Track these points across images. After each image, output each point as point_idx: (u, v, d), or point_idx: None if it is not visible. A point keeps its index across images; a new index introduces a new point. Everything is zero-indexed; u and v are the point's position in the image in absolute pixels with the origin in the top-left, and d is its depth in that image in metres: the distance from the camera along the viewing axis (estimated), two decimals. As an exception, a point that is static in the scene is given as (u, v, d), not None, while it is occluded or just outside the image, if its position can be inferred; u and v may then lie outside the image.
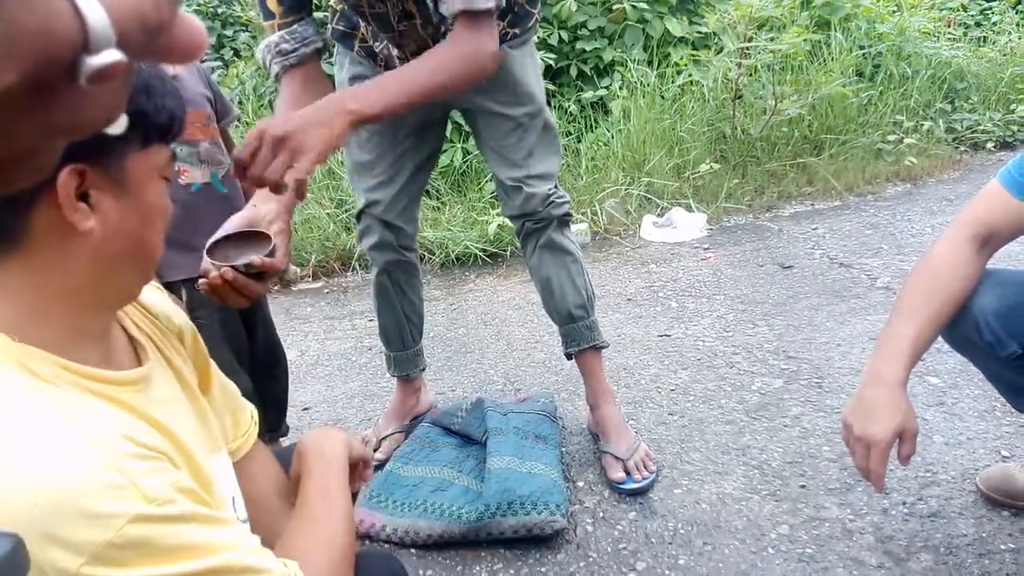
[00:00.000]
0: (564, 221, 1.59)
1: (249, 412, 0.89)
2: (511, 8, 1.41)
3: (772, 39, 3.95)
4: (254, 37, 4.55)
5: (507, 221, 3.01)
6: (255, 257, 0.93)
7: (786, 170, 3.49)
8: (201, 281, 0.93)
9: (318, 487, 0.79)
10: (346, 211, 3.39)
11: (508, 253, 3.10)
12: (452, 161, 3.53)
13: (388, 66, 1.46)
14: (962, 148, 3.62)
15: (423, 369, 1.90)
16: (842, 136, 3.58)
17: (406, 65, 1.17)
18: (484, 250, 3.08)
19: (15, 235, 0.58)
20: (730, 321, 2.33)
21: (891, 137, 3.58)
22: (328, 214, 3.28)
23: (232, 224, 1.00)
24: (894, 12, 4.67)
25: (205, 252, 0.94)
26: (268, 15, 1.24)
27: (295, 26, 1.24)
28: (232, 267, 0.92)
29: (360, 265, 3.20)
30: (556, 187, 1.56)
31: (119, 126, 0.24)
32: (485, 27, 1.16)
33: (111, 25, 0.20)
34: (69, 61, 0.20)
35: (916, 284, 1.18)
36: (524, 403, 1.86)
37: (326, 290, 3.09)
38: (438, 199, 3.48)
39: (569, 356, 1.72)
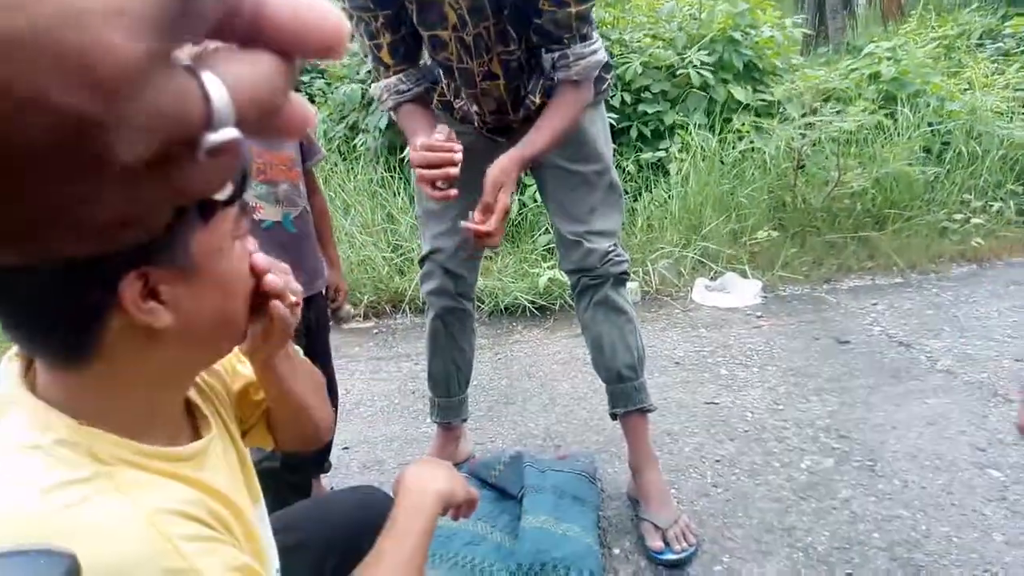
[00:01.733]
0: (621, 280, 1.60)
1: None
2: None
3: (838, 111, 3.94)
4: (328, 84, 4.74)
5: (559, 275, 3.04)
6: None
7: (847, 242, 3.42)
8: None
9: (399, 526, 0.80)
10: (401, 255, 3.46)
11: (557, 307, 3.10)
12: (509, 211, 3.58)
13: (464, 120, 1.55)
14: (1035, 232, 3.50)
15: (465, 419, 1.91)
16: (906, 212, 3.51)
17: (546, 115, 1.37)
18: (533, 302, 3.09)
19: (91, 349, 0.56)
20: (781, 394, 2.27)
21: (958, 216, 3.49)
22: (384, 257, 3.35)
23: None
24: (965, 90, 4.60)
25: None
26: (384, 67, 1.44)
27: (409, 70, 1.44)
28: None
29: (410, 308, 3.24)
30: (616, 245, 1.57)
31: (224, 192, 0.26)
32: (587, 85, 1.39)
33: (231, 104, 0.22)
34: (193, 137, 0.22)
35: None
36: (564, 461, 1.84)
37: (375, 330, 3.14)
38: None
39: (614, 416, 1.70)
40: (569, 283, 1.66)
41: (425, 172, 1.32)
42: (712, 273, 3.31)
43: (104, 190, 0.21)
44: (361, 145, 4.14)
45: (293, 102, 0.25)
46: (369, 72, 4.17)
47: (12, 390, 0.58)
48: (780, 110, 3.83)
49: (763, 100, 4.03)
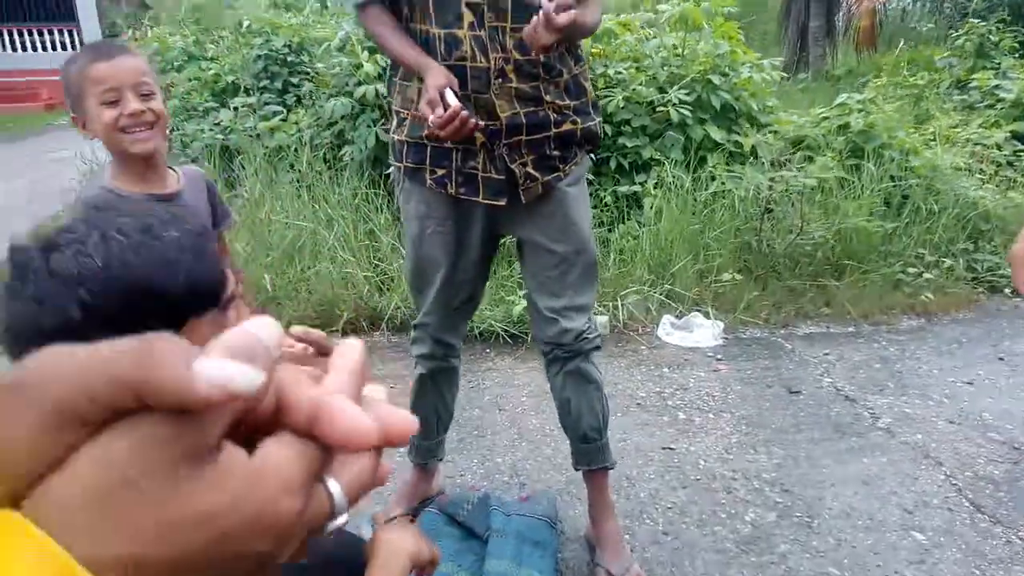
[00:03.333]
0: (593, 351, 1.70)
1: None
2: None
3: (808, 158, 4.13)
4: (317, 88, 4.79)
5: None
6: None
7: (806, 289, 3.61)
8: None
9: None
10: (381, 273, 3.55)
11: (528, 337, 3.23)
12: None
13: (464, 195, 1.57)
14: (980, 289, 3.71)
15: (441, 459, 2.03)
16: (864, 263, 3.70)
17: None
18: (506, 330, 3.22)
19: None
20: (733, 443, 2.43)
21: (912, 270, 3.69)
22: (365, 276, 3.44)
23: None
24: (931, 141, 4.83)
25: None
26: None
27: None
28: None
29: (388, 327, 3.34)
30: (589, 320, 1.68)
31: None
32: None
33: (346, 498, 0.34)
34: (321, 528, 0.34)
35: None
36: (527, 503, 1.97)
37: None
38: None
39: (577, 469, 1.84)
40: (541, 350, 1.76)
41: (438, 132, 1.41)
42: (678, 311, 3.46)
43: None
44: (347, 156, 4.20)
45: (382, 467, 0.37)
46: (360, 83, 4.24)
47: None
48: (753, 153, 4.00)
49: (738, 142, 4.20)
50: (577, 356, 1.68)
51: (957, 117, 5.61)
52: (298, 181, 4.19)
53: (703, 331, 3.32)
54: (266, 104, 4.93)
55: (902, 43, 10.96)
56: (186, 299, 0.75)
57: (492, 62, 1.44)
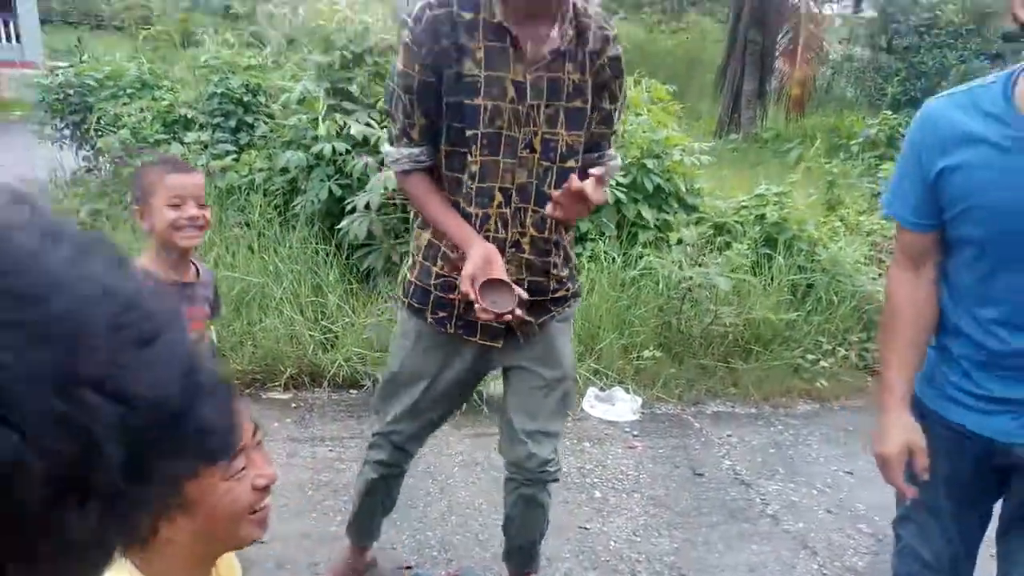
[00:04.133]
0: (550, 482, 1.92)
1: None
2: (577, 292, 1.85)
3: (727, 243, 4.53)
4: (272, 131, 4.91)
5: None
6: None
7: (717, 368, 3.97)
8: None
9: None
10: (326, 331, 3.71)
11: (463, 404, 3.44)
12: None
13: (463, 335, 1.76)
14: (870, 379, 4.16)
15: (377, 539, 2.23)
16: (769, 347, 4.10)
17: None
18: (443, 396, 3.42)
19: None
20: (640, 524, 2.71)
21: (810, 356, 4.11)
22: (311, 333, 3.60)
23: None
24: (839, 227, 5.35)
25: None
26: (409, 140, 1.67)
27: (429, 147, 1.67)
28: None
29: (331, 384, 3.50)
30: (555, 450, 1.88)
31: None
32: None
33: None
34: None
35: (886, 326, 1.51)
36: (454, 583, 2.19)
37: (293, 404, 3.38)
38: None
39: (506, 564, 2.08)
40: (504, 465, 1.94)
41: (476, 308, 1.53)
42: (602, 384, 3.76)
43: None
44: (299, 207, 4.34)
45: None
46: (316, 138, 4.39)
47: None
48: (678, 240, 4.37)
49: (667, 221, 4.57)
50: (535, 484, 1.87)
51: (864, 204, 6.20)
52: (247, 225, 4.29)
53: (623, 405, 3.62)
54: (219, 142, 5.01)
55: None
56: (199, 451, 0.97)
57: (510, 234, 1.66)
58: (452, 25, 1.55)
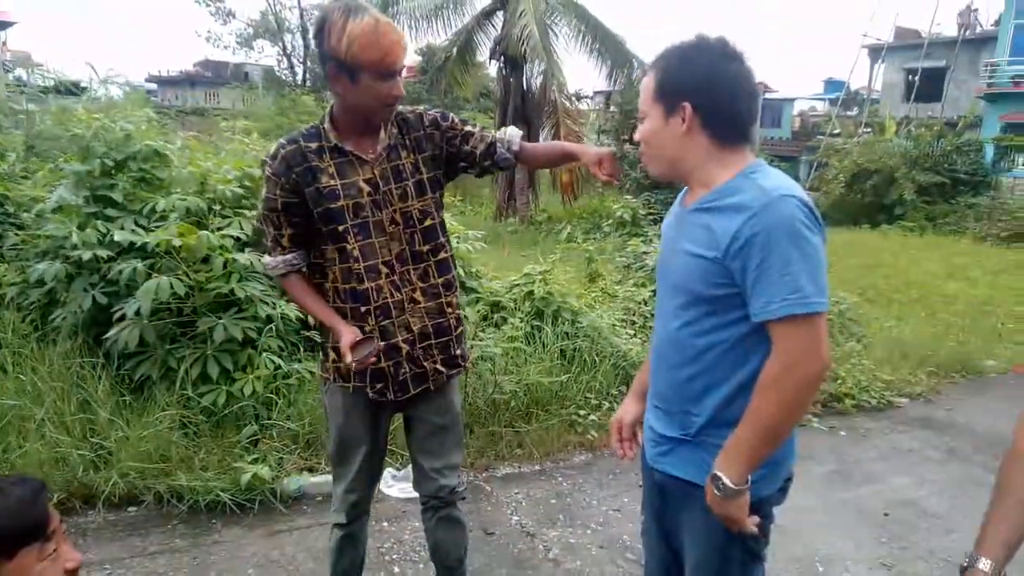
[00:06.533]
0: (459, 500, 2.33)
1: None
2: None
3: (504, 319, 5.00)
4: (24, 242, 4.59)
5: (262, 471, 3.41)
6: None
7: (503, 434, 4.31)
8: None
9: None
10: (97, 449, 3.49)
11: (257, 503, 3.42)
12: (216, 402, 3.80)
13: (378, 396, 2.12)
14: (631, 425, 4.76)
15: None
16: (546, 408, 4.54)
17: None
18: (234, 498, 3.38)
19: None
20: (437, 589, 2.88)
21: (582, 412, 4.62)
22: (79, 453, 3.38)
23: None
24: (598, 297, 6.09)
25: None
26: (282, 248, 2.04)
27: (300, 252, 2.06)
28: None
29: (104, 505, 3.30)
30: (459, 476, 2.31)
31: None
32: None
33: None
34: None
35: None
36: None
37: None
38: (196, 437, 3.70)
39: None
40: (419, 498, 2.35)
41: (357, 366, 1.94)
42: (398, 463, 3.92)
43: None
44: (59, 319, 4.08)
45: None
46: (76, 247, 4.19)
47: None
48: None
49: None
50: (450, 505, 2.29)
51: (618, 275, 7.11)
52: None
53: (418, 481, 3.80)
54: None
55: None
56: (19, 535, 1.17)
57: (404, 295, 2.03)
58: (303, 155, 1.95)
